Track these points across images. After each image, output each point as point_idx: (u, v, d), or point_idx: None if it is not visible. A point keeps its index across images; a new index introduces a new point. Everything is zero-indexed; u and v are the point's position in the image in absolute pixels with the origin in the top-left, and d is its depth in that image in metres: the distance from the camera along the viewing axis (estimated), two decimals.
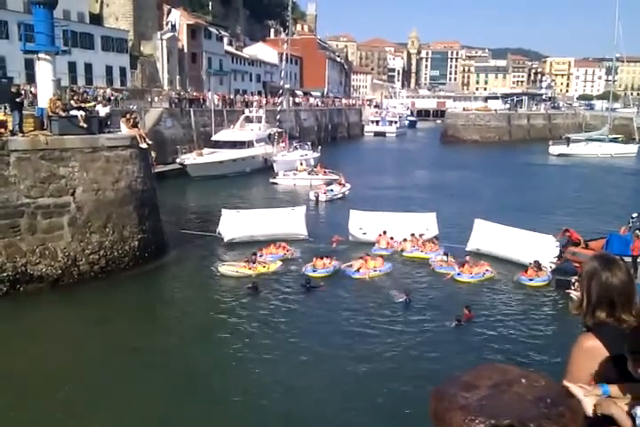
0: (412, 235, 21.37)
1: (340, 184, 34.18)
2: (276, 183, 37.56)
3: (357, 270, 18.40)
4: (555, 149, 61.56)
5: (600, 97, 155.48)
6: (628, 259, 15.47)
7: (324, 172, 38.35)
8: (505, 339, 13.98)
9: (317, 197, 31.33)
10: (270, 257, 19.37)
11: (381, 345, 13.42)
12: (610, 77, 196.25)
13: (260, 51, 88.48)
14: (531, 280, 17.57)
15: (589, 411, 2.17)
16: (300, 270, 18.47)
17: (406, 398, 10.69)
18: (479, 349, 13.32)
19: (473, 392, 1.93)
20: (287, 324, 14.69)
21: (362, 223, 22.42)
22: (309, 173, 38.23)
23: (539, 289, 17.25)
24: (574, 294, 2.93)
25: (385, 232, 21.49)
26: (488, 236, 20.62)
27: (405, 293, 16.36)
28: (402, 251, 20.93)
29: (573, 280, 3.07)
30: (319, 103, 76.92)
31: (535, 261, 18.05)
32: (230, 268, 18.30)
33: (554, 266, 18.57)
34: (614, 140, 63.93)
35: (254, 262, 18.37)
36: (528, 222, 22.25)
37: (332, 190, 32.74)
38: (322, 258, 18.72)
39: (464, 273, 18.26)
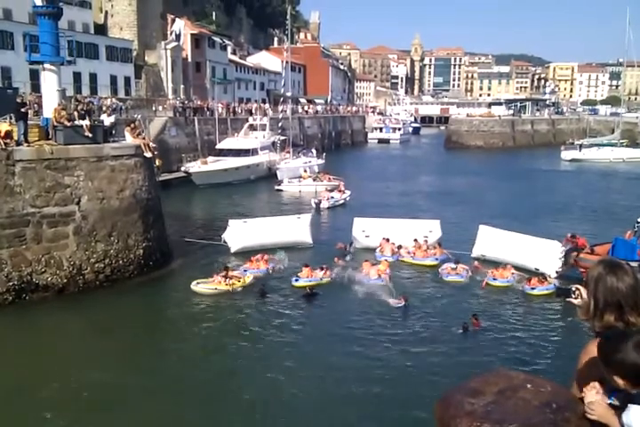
0: (415, 240, 21.34)
1: (339, 191, 34.19)
2: (281, 190, 37.63)
3: (379, 277, 18.30)
4: (567, 155, 61.66)
5: (604, 102, 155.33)
6: (634, 264, 15.39)
7: (329, 178, 38.42)
8: (511, 346, 13.91)
9: (319, 204, 31.31)
10: (257, 271, 18.83)
11: (385, 352, 13.35)
12: (614, 82, 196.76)
13: (264, 59, 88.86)
14: (533, 289, 17.31)
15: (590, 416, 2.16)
16: (289, 280, 18.17)
17: (411, 405, 10.63)
18: (484, 355, 13.24)
19: (479, 398, 1.92)
20: (291, 332, 14.62)
21: (365, 230, 22.42)
22: (314, 180, 38.30)
23: (544, 297, 17.09)
24: (575, 301, 2.90)
25: (388, 239, 21.45)
26: (493, 242, 20.55)
27: (404, 298, 16.33)
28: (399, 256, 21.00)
29: (573, 288, 3.03)
30: (319, 110, 76.94)
31: (540, 274, 17.94)
32: (207, 286, 17.26)
33: (559, 272, 18.48)
34: (621, 145, 64.17)
35: (227, 277, 17.51)
36: (535, 228, 22.18)
37: (332, 197, 32.78)
38: (308, 266, 18.35)
39: (498, 278, 18.27)
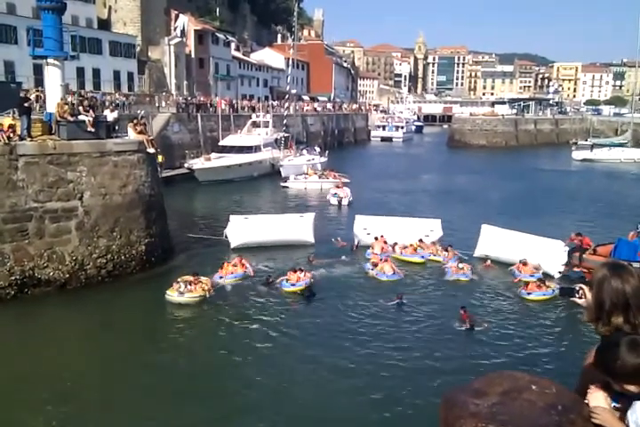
0: (421, 240, 21.24)
1: (337, 188, 34.18)
2: (287, 187, 37.73)
3: (393, 274, 18.39)
4: (578, 154, 61.60)
5: (607, 102, 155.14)
6: (637, 264, 15.34)
7: (334, 175, 38.46)
8: (514, 346, 13.86)
9: (340, 201, 31.69)
10: (232, 276, 17.98)
11: (385, 353, 13.30)
12: (617, 82, 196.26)
13: (267, 56, 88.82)
14: (529, 294, 16.90)
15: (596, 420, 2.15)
16: (275, 284, 17.62)
17: (414, 406, 10.64)
18: (487, 356, 13.20)
19: (484, 399, 1.92)
20: (288, 332, 14.58)
21: (366, 228, 22.37)
22: (320, 177, 38.38)
23: (546, 300, 16.87)
24: (579, 301, 2.89)
25: (382, 236, 21.28)
26: (496, 241, 20.46)
27: (398, 295, 16.32)
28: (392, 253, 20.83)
29: (577, 288, 2.99)
30: (324, 107, 76.76)
31: (539, 279, 17.58)
32: (191, 294, 16.06)
33: (562, 272, 18.42)
34: (622, 145, 64.10)
35: (198, 283, 16.52)
36: (541, 228, 22.10)
37: (349, 194, 32.87)
38: (296, 271, 17.77)
39: (534, 274, 18.19)
